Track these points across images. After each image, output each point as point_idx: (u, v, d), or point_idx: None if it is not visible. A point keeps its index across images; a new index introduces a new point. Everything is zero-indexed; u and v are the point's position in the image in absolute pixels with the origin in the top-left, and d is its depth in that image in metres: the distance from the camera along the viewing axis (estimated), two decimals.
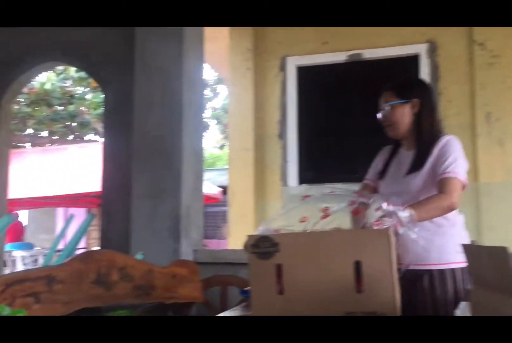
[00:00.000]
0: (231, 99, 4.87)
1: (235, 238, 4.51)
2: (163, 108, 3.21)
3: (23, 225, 10.77)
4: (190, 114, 3.27)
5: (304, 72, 4.51)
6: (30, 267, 8.28)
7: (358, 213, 1.57)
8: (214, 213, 10.60)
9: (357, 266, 1.44)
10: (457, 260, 1.73)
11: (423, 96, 1.88)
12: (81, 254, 2.20)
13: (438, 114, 1.95)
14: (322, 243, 1.49)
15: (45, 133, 13.59)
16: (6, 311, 1.48)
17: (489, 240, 3.55)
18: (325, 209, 1.57)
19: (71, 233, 2.77)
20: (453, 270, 1.74)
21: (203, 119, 3.61)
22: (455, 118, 3.99)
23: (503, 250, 1.04)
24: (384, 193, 1.87)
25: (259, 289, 1.51)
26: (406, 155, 1.90)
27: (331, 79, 4.44)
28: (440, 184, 1.72)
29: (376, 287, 1.43)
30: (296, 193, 4.51)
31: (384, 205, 1.55)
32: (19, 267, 8.34)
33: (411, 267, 1.71)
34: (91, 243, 11.61)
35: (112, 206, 3.52)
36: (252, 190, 4.55)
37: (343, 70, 4.37)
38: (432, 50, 4.08)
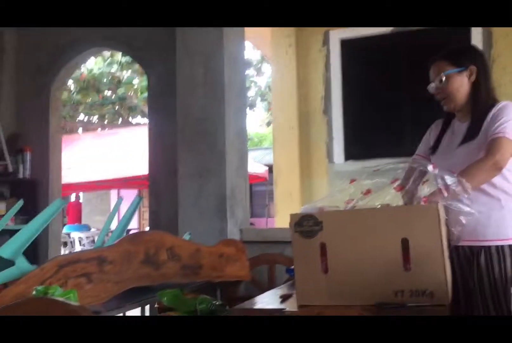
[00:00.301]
0: (274, 77, 4.82)
1: (282, 217, 4.50)
2: (206, 89, 3.21)
3: (80, 207, 11.19)
4: (232, 95, 3.25)
5: (347, 46, 4.37)
6: (88, 247, 8.63)
7: (402, 188, 1.51)
8: (261, 192, 10.64)
9: (405, 243, 1.40)
10: None
11: (479, 62, 1.77)
12: (130, 235, 2.26)
13: (493, 82, 1.84)
14: (367, 220, 1.45)
15: (95, 119, 13.96)
16: (59, 292, 1.54)
17: None
18: (368, 191, 1.52)
19: (122, 214, 2.83)
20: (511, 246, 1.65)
21: (247, 99, 3.59)
22: (510, 86, 3.78)
23: None
24: (441, 167, 1.78)
25: (303, 268, 1.50)
26: (460, 127, 1.81)
27: (376, 52, 4.28)
28: (487, 146, 1.64)
29: (425, 264, 1.38)
30: (342, 170, 4.45)
31: (430, 168, 1.47)
32: (77, 248, 8.71)
33: (467, 243, 1.65)
34: (144, 224, 11.97)
35: (160, 187, 3.59)
36: (297, 168, 4.51)
37: (389, 41, 4.21)
38: None
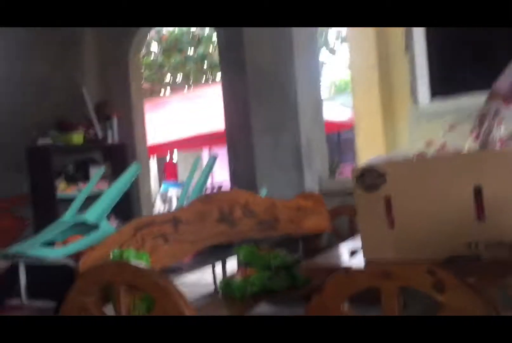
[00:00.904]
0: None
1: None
2: (273, 40, 3.10)
3: (175, 165, 11.71)
4: (301, 43, 3.11)
5: None
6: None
7: (477, 136, 1.35)
8: (350, 139, 10.36)
9: (477, 191, 1.27)
10: None
11: None
12: (203, 195, 2.30)
13: None
14: (435, 169, 1.33)
15: (180, 79, 14.24)
16: (132, 255, 1.61)
17: None
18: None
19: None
20: None
21: (318, 46, 3.41)
22: None
23: None
24: None
25: (368, 223, 1.43)
26: None
27: None
28: None
29: (500, 213, 1.25)
30: (428, 112, 4.16)
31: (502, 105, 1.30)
32: (175, 204, 9.18)
33: None
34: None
35: (237, 143, 3.60)
36: (379, 111, 4.28)
37: None
38: None
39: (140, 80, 4.67)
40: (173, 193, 9.42)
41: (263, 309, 2.07)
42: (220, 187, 8.49)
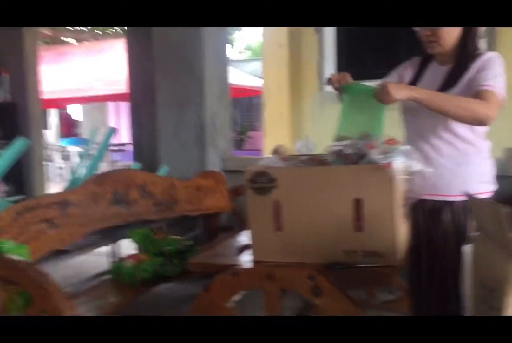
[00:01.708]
0: None
1: (271, 139, 4.44)
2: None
3: (74, 120, 11.13)
4: None
5: None
6: (87, 161, 8.70)
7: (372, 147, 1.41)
8: (259, 105, 10.42)
9: (358, 203, 1.34)
10: (482, 190, 1.59)
11: None
12: (96, 175, 2.21)
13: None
14: (321, 179, 1.38)
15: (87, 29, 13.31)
16: (10, 246, 1.52)
17: None
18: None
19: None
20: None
21: None
22: None
23: (503, 209, 0.98)
24: (413, 113, 1.68)
25: (258, 225, 1.46)
26: (439, 71, 1.67)
27: None
28: (478, 96, 1.51)
29: (376, 225, 1.34)
30: (333, 95, 4.28)
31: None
32: (75, 161, 8.78)
33: (432, 198, 1.59)
34: None
35: (141, 115, 3.47)
36: (287, 88, 4.34)
37: None
38: None
39: (35, 32, 4.28)
40: (73, 150, 8.99)
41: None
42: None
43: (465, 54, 1.61)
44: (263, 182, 1.43)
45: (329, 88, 4.22)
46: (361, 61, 4.12)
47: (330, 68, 4.20)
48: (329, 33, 4.14)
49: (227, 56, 3.26)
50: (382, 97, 1.50)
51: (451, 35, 1.60)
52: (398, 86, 1.53)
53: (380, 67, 3.96)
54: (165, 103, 3.07)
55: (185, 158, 3.06)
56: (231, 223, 2.98)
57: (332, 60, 4.21)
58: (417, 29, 1.67)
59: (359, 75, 4.23)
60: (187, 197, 2.62)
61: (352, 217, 1.35)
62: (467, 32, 1.61)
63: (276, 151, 3.28)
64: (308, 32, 4.20)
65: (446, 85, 1.61)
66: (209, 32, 2.98)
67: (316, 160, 1.46)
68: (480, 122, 1.52)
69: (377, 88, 1.51)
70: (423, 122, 1.65)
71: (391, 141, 1.40)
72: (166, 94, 3.06)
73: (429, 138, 1.64)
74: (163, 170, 2.79)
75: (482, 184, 1.62)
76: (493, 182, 1.66)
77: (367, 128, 1.49)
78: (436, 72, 1.67)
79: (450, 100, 1.52)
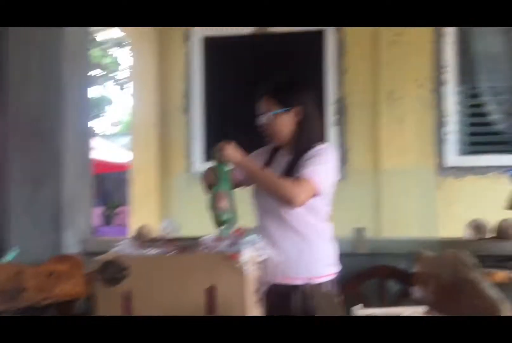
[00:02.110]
0: (134, 70, 4.56)
1: (137, 218, 4.32)
2: (41, 84, 2.89)
3: None
4: (72, 91, 2.96)
5: (210, 43, 4.25)
6: None
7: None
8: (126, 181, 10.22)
9: (211, 291, 1.33)
10: (325, 273, 1.68)
11: (306, 102, 1.77)
12: None
13: (321, 122, 1.85)
14: (174, 267, 1.35)
15: None
16: None
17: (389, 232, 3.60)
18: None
19: None
20: (321, 284, 1.67)
21: (88, 96, 3.28)
22: (359, 95, 3.95)
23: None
24: (257, 203, 1.77)
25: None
26: (285, 160, 1.80)
27: (238, 52, 4.21)
28: (294, 180, 1.65)
29: (230, 312, 1.32)
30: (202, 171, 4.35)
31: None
32: None
33: (282, 282, 1.63)
34: None
35: None
36: (155, 167, 4.34)
37: (250, 42, 4.16)
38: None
39: None
40: None
41: None
42: None
43: (299, 150, 1.75)
44: (113, 272, 1.35)
45: (197, 168, 4.31)
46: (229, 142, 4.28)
47: (198, 149, 4.30)
48: (197, 114, 4.29)
49: (91, 130, 3.20)
50: (219, 153, 1.62)
51: (285, 130, 1.74)
52: (237, 149, 1.66)
53: (248, 148, 4.18)
54: (18, 180, 2.88)
55: (39, 240, 2.84)
56: (88, 310, 2.76)
57: (201, 141, 4.32)
58: (259, 122, 1.80)
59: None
60: (38, 284, 2.40)
61: (205, 305, 1.32)
62: (301, 127, 1.75)
63: (139, 232, 3.19)
64: (176, 113, 4.32)
65: (285, 175, 1.73)
66: (68, 105, 2.92)
67: (172, 246, 1.44)
68: (288, 204, 1.64)
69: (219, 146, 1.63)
70: (269, 207, 1.73)
71: (239, 231, 1.44)
72: (19, 170, 2.88)
73: (274, 223, 1.72)
74: (12, 254, 2.55)
75: (326, 267, 1.71)
76: (336, 264, 1.76)
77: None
78: (282, 161, 1.80)
79: (270, 177, 1.63)
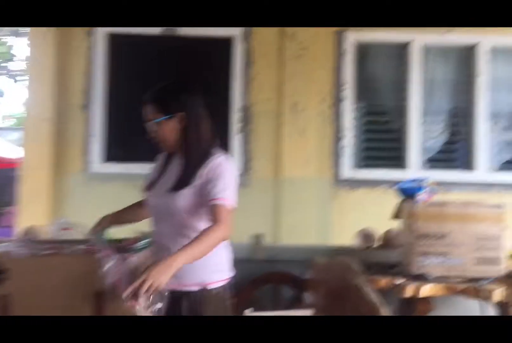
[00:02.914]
0: (30, 61, 4.27)
1: (26, 218, 4.04)
2: None
3: None
4: None
5: (115, 40, 4.11)
6: None
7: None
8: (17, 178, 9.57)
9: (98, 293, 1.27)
10: (218, 279, 1.68)
11: (189, 108, 1.76)
12: None
13: (209, 127, 1.83)
14: (53, 268, 1.28)
15: None
16: None
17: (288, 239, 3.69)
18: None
19: None
20: (213, 289, 1.67)
21: None
22: (264, 105, 4.03)
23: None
24: (152, 211, 1.74)
25: None
26: (178, 166, 1.78)
27: (144, 51, 4.12)
28: (211, 211, 1.64)
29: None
30: (99, 171, 4.18)
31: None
32: None
33: (173, 288, 1.61)
34: None
35: None
36: (49, 165, 4.09)
37: (157, 43, 4.09)
38: (247, 35, 4.01)
39: None
40: None
41: None
42: None
43: (189, 157, 1.74)
44: None
45: (95, 167, 4.14)
46: (132, 142, 4.17)
47: (97, 147, 4.13)
48: (98, 112, 4.12)
49: None
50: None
51: (171, 137, 1.74)
52: (157, 274, 1.44)
53: (149, 149, 4.08)
54: None
55: None
56: None
57: (100, 139, 4.16)
58: (148, 129, 1.79)
59: (128, 157, 4.31)
60: None
61: (92, 308, 1.26)
62: (187, 133, 1.75)
63: (27, 233, 2.99)
64: (75, 109, 4.12)
65: (179, 184, 1.71)
66: None
67: (54, 248, 1.36)
68: (224, 240, 1.64)
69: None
70: (162, 214, 1.71)
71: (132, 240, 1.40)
72: None
73: (167, 229, 1.70)
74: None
75: (218, 273, 1.72)
76: (229, 270, 1.77)
77: None
78: (175, 166, 1.79)
79: (202, 245, 1.55)
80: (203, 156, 1.71)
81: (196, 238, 1.56)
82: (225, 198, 1.63)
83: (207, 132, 1.78)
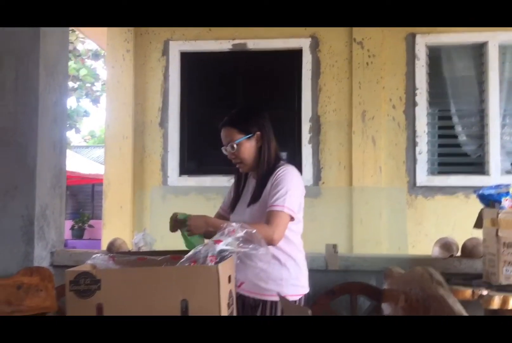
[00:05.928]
0: (109, 83, 4.55)
1: (110, 231, 4.28)
2: (16, 96, 2.87)
3: None
4: (48, 103, 2.95)
5: (187, 58, 4.29)
6: None
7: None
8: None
9: (185, 304, 1.34)
10: (293, 293, 1.73)
11: (263, 127, 1.85)
12: None
13: (276, 144, 1.92)
14: (147, 280, 1.36)
15: None
16: None
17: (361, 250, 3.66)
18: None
19: None
20: (291, 300, 1.71)
21: (66, 108, 3.28)
22: (333, 115, 4.03)
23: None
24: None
25: None
26: (253, 183, 1.87)
27: (215, 67, 4.27)
28: (268, 216, 1.71)
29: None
30: (176, 185, 4.36)
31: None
32: None
33: (252, 295, 1.67)
34: None
35: None
36: (130, 180, 4.32)
37: (227, 59, 4.22)
38: (315, 46, 4.04)
39: None
40: None
41: None
42: None
43: (261, 174, 1.82)
44: (86, 283, 1.35)
45: (172, 181, 4.30)
46: (204, 156, 4.32)
47: (173, 162, 4.31)
48: (173, 128, 4.31)
49: (66, 142, 3.17)
50: (188, 230, 1.67)
51: (251, 156, 1.81)
52: (196, 224, 1.69)
53: (222, 163, 4.20)
54: None
55: (8, 252, 2.79)
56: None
57: (176, 154, 4.33)
58: (225, 153, 1.87)
59: (201, 170, 4.44)
60: (6, 296, 2.35)
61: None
62: (262, 151, 1.82)
63: (112, 245, 3.17)
64: (153, 126, 4.33)
65: (252, 199, 1.80)
66: (44, 117, 2.90)
67: (143, 260, 1.45)
68: (268, 244, 1.68)
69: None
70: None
71: (218, 241, 1.45)
72: None
73: None
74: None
75: (294, 287, 1.76)
76: (304, 286, 1.81)
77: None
78: (250, 186, 1.87)
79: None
80: (272, 171, 1.78)
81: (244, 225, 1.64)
82: (281, 205, 1.69)
83: (276, 149, 1.87)
